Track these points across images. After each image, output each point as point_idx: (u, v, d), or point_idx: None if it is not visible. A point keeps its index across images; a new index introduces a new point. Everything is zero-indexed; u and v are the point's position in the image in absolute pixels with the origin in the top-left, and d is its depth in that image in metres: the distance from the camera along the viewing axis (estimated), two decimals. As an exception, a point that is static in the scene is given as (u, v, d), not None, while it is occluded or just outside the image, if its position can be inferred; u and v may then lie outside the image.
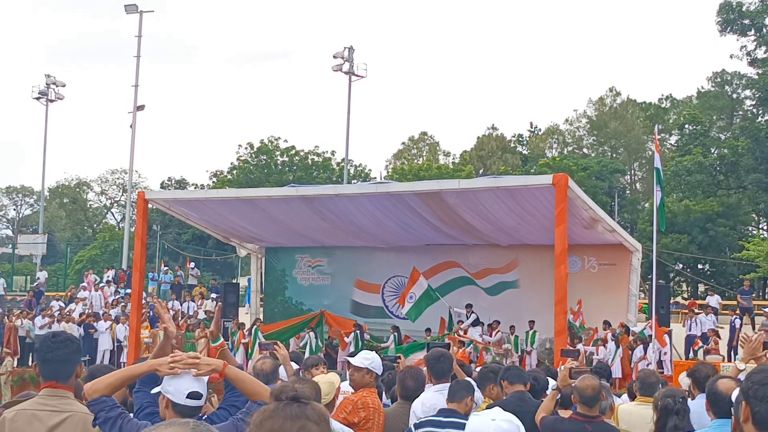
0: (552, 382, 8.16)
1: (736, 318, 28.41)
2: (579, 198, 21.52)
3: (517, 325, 26.67)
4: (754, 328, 27.82)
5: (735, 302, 41.13)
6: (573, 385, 7.08)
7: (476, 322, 27.12)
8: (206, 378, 5.15)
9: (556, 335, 19.98)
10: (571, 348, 18.81)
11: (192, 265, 40.35)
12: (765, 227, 64.97)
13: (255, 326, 27.91)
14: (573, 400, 7.08)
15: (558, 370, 8.96)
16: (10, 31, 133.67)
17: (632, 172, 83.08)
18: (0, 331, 30.96)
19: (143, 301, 28.29)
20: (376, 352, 8.47)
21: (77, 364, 4.82)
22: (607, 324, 25.31)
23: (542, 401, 7.53)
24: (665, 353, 24.74)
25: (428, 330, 27.66)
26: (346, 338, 27.38)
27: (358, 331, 27.19)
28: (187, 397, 4.92)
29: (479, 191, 22.34)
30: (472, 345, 25.67)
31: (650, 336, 24.13)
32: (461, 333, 26.36)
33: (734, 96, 72.95)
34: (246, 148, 72.91)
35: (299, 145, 73.05)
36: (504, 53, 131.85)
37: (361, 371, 7.53)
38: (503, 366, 8.88)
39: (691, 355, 26.87)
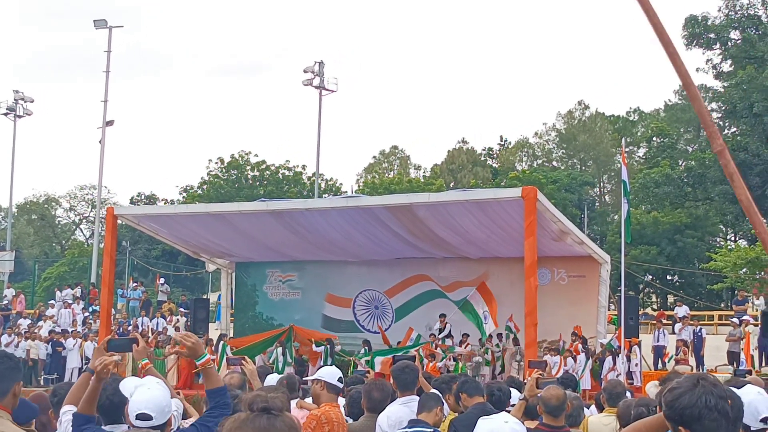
0: (515, 393, 8.18)
1: (701, 328, 28.66)
2: (548, 210, 21.68)
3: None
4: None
5: (703, 313, 41.53)
6: (538, 395, 7.11)
7: (448, 335, 27.18)
8: (163, 397, 5.09)
9: (527, 347, 20.08)
10: (538, 359, 18.88)
11: (162, 281, 40.12)
12: (732, 238, 65.48)
13: (222, 342, 27.77)
14: (539, 410, 7.10)
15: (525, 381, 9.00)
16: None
17: (601, 184, 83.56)
18: (-33, 349, 30.63)
19: (112, 318, 28.11)
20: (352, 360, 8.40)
21: (14, 381, 4.66)
22: (574, 335, 25.41)
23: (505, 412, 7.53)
24: (636, 364, 24.89)
25: (399, 343, 27.64)
26: (315, 347, 27.29)
27: (328, 346, 27.10)
28: (136, 418, 4.91)
29: (449, 204, 22.47)
30: (444, 359, 25.67)
31: (619, 347, 24.28)
32: (437, 345, 26.43)
33: (701, 109, 73.47)
34: (216, 162, 72.67)
35: (270, 160, 72.83)
36: (474, 67, 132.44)
37: (319, 383, 7.50)
38: (464, 377, 8.83)
39: (659, 365, 27.06)
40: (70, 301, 36.54)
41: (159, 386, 5.23)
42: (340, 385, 7.63)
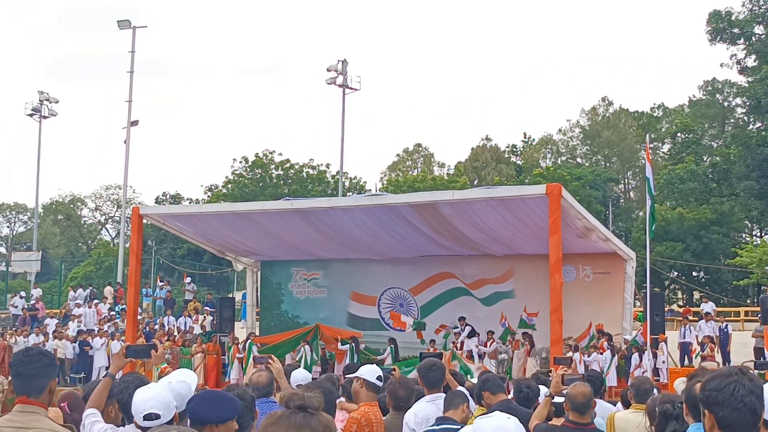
0: (544, 389, 8.18)
1: (726, 324, 28.43)
2: (573, 207, 21.62)
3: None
4: None
5: (730, 309, 41.31)
6: (564, 392, 7.11)
7: (471, 334, 27.15)
8: (166, 393, 5.13)
9: (552, 344, 20.04)
10: (564, 356, 18.85)
11: (188, 280, 40.29)
12: (758, 234, 65.11)
13: (249, 341, 27.89)
14: (564, 407, 7.10)
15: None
16: (2, 47, 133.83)
17: (626, 180, 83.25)
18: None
19: (138, 317, 28.28)
20: (376, 365, 8.36)
21: (50, 378, 4.72)
22: (601, 333, 25.37)
23: (531, 409, 7.55)
24: (663, 361, 24.79)
25: (432, 341, 27.61)
26: (340, 345, 27.35)
27: (353, 344, 27.13)
28: (143, 419, 4.95)
29: (474, 202, 22.44)
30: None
31: (644, 344, 24.19)
32: (457, 346, 26.45)
33: (725, 104, 73.24)
34: (241, 161, 72.89)
35: (294, 159, 72.97)
36: (497, 64, 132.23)
37: (358, 381, 7.53)
38: (486, 376, 8.81)
39: (686, 362, 26.92)
40: (97, 301, 36.78)
41: (165, 383, 5.30)
42: (380, 384, 7.61)
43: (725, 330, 27.79)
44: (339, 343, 27.50)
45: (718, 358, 26.19)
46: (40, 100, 55.17)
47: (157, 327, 32.18)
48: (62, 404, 6.69)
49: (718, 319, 28.76)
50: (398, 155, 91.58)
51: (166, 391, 5.12)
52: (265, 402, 7.28)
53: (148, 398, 4.99)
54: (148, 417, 4.92)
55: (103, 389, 5.73)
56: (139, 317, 28.67)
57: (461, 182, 68.06)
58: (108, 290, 39.76)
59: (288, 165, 72.45)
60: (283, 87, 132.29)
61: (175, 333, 31.02)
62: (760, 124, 55.12)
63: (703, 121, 71.93)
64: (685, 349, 27.47)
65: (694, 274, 56.33)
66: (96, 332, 31.06)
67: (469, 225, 23.94)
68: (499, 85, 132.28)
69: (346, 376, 9.20)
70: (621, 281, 26.76)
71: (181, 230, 28.02)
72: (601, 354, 24.63)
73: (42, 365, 4.67)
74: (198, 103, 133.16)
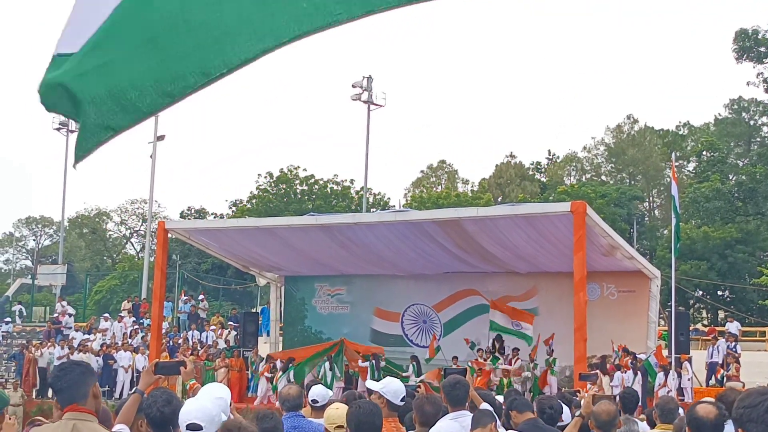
0: (568, 410, 8.17)
1: (735, 345, 27.93)
2: (597, 225, 21.59)
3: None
4: None
5: (755, 329, 41.00)
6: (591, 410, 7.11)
7: (499, 351, 27.09)
8: (212, 406, 5.17)
9: (576, 362, 19.99)
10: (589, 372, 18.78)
11: (201, 297, 40.28)
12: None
13: (291, 365, 27.45)
14: (590, 425, 7.08)
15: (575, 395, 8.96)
16: (27, 63, 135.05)
17: (651, 198, 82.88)
18: (20, 361, 31.20)
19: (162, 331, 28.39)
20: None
21: (90, 384, 4.79)
22: (626, 351, 25.23)
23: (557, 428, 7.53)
24: (688, 379, 24.61)
25: (455, 358, 27.55)
26: (361, 362, 27.27)
27: (374, 361, 27.07)
28: (186, 429, 5.00)
29: (498, 219, 22.47)
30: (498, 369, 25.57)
31: (663, 365, 24.03)
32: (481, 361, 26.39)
33: (751, 123, 72.84)
34: (265, 177, 73.12)
35: (318, 174, 73.14)
36: (522, 82, 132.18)
37: (381, 399, 7.40)
38: (513, 395, 8.76)
39: (712, 381, 26.67)
40: (122, 315, 36.95)
41: (210, 397, 5.35)
42: (400, 404, 7.41)
43: (733, 349, 27.34)
44: (360, 359, 27.49)
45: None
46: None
47: (180, 341, 32.28)
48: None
49: (745, 338, 28.39)
50: (422, 171, 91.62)
51: (214, 404, 5.19)
52: (294, 416, 7.31)
53: (194, 409, 5.07)
54: (191, 427, 4.98)
55: (132, 405, 5.79)
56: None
57: (485, 199, 67.95)
58: (125, 304, 39.87)
59: (312, 180, 72.66)
60: (309, 102, 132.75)
61: (199, 347, 31.12)
62: (786, 143, 54.92)
63: (728, 140, 71.58)
64: (712, 368, 27.19)
65: (719, 293, 55.97)
66: (120, 345, 31.23)
67: (493, 242, 23.94)
68: (524, 102, 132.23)
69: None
70: (646, 300, 26.63)
71: (206, 245, 28.16)
72: (625, 373, 24.50)
73: (77, 373, 4.71)
74: (223, 117, 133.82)
